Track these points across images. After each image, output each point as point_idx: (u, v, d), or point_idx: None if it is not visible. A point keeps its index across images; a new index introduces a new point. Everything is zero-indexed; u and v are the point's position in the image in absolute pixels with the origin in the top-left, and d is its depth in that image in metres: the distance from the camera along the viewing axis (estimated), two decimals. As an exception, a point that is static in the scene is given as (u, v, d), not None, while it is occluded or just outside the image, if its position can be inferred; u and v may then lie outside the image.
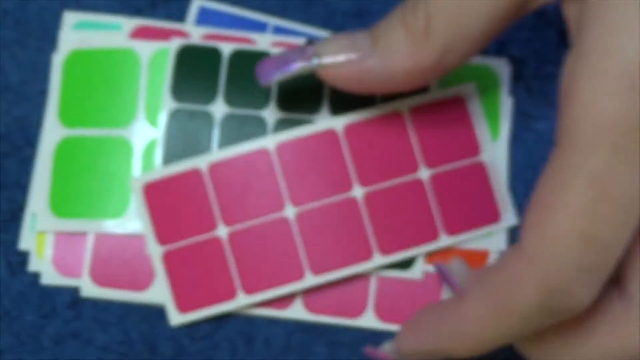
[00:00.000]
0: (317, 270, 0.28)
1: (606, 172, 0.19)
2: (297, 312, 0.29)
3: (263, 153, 0.28)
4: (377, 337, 0.29)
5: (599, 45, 0.19)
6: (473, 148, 0.29)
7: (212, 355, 0.29)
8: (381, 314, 0.29)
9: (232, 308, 0.28)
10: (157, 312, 0.29)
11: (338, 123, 0.28)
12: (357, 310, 0.29)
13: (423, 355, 0.25)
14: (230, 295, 0.28)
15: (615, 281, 0.24)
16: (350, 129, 0.28)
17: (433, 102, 0.29)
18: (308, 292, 0.29)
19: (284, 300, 0.29)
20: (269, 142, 0.28)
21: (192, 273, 0.28)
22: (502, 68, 0.31)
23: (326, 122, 0.28)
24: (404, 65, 0.24)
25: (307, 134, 0.28)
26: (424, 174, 0.28)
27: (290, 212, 0.28)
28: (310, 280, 0.28)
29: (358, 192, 0.28)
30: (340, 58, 0.25)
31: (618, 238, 0.20)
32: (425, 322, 0.25)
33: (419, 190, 0.28)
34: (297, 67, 0.26)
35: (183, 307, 0.28)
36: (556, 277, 0.21)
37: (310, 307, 0.29)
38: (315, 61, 0.25)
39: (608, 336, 0.23)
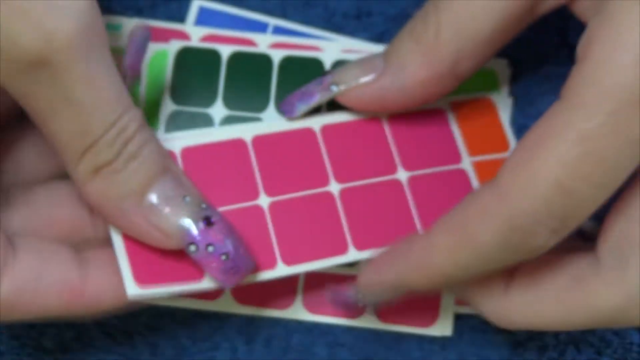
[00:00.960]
0: (289, 261, 0.26)
1: (598, 135, 0.20)
2: (297, 312, 0.29)
3: (239, 143, 0.27)
4: (377, 337, 0.29)
5: (621, 18, 0.20)
6: (454, 156, 0.29)
7: (212, 355, 0.29)
8: (381, 315, 0.29)
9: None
10: (157, 312, 0.29)
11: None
12: (357, 310, 0.29)
13: (383, 287, 0.25)
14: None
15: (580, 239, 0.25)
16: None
17: (413, 112, 0.28)
18: (308, 292, 0.29)
19: (284, 300, 0.29)
20: (246, 133, 0.27)
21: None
22: (502, 68, 0.31)
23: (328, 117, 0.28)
24: (418, 76, 0.25)
25: (284, 130, 0.28)
26: (402, 175, 0.28)
27: (264, 201, 0.26)
28: (283, 270, 0.25)
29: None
30: (356, 81, 0.26)
31: (593, 198, 0.21)
32: (388, 255, 0.25)
33: (398, 190, 0.28)
34: (318, 97, 0.27)
35: (142, 278, 0.24)
36: (523, 216, 0.21)
37: (310, 307, 0.29)
38: (333, 89, 0.27)
39: (569, 291, 0.23)
